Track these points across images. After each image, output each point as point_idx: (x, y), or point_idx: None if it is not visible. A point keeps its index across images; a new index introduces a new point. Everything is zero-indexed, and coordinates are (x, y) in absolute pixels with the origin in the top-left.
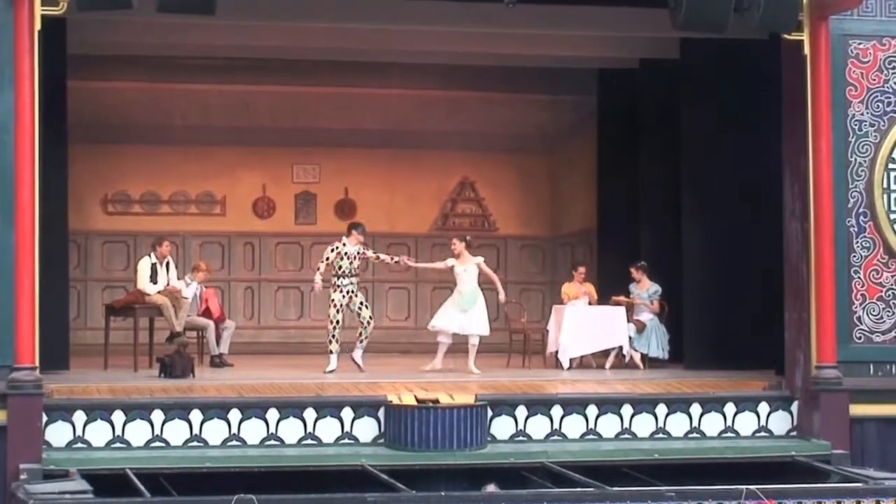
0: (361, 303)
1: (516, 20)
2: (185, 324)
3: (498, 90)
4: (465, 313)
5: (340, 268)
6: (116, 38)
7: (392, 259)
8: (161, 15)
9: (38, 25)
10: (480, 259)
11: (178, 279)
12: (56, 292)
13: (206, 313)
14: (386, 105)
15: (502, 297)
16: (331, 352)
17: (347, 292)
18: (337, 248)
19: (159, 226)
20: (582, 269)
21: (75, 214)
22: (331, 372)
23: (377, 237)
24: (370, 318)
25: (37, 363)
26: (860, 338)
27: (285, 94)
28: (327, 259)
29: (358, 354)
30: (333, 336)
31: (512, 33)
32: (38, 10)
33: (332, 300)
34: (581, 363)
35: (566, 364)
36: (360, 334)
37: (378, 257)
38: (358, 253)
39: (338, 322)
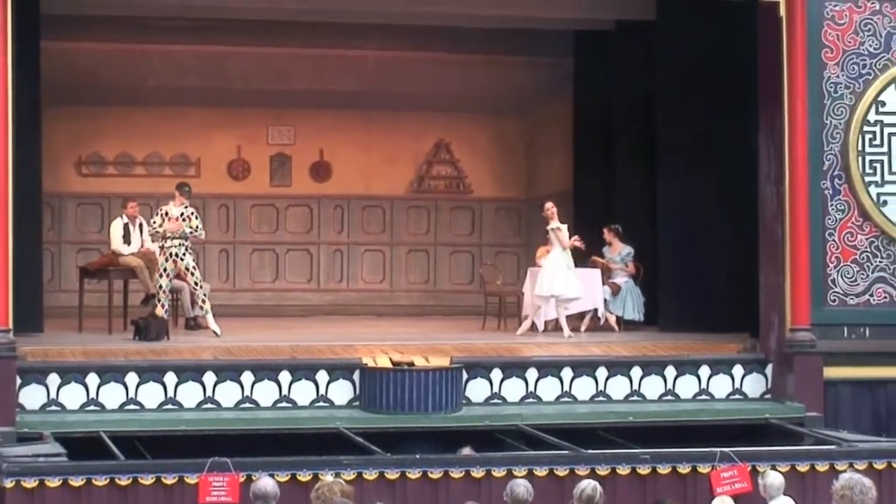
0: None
1: None
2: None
3: (474, 52)
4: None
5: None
6: None
7: None
8: None
9: None
10: (563, 226)
11: (152, 241)
12: (29, 254)
13: (180, 276)
14: (362, 66)
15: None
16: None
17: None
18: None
19: (133, 188)
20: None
21: (49, 176)
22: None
23: (352, 199)
24: (198, 281)
25: (10, 326)
26: (834, 300)
27: (260, 56)
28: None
29: (212, 322)
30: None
31: None
32: None
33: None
34: (556, 326)
35: (540, 327)
36: (197, 302)
37: None
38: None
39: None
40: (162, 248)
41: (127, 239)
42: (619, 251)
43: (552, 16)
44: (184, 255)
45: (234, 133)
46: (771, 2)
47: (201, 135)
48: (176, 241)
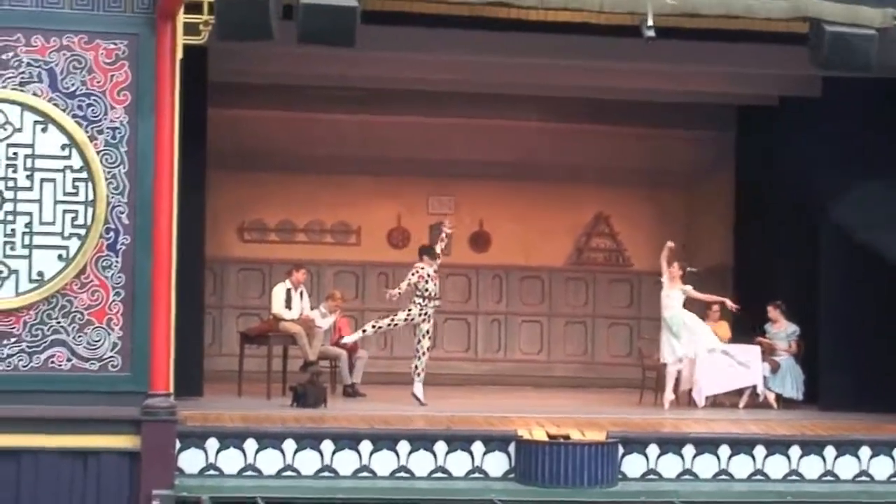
0: (428, 331)
1: (655, 55)
2: (318, 353)
3: (635, 124)
4: (675, 338)
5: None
6: (256, 66)
7: None
8: (301, 45)
9: (179, 54)
10: (689, 287)
11: (313, 308)
12: (192, 319)
13: (340, 343)
14: (521, 137)
15: (730, 304)
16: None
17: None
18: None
19: (294, 254)
20: (716, 308)
21: (212, 242)
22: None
23: (511, 270)
24: (427, 349)
25: (171, 390)
26: None
27: (421, 125)
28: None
29: (418, 388)
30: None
31: (650, 68)
32: (180, 39)
33: (409, 310)
34: (714, 402)
35: (700, 403)
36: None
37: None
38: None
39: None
40: (421, 305)
41: (288, 304)
42: (784, 328)
43: (715, 90)
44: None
45: (394, 201)
46: None
47: (362, 203)
48: (436, 302)
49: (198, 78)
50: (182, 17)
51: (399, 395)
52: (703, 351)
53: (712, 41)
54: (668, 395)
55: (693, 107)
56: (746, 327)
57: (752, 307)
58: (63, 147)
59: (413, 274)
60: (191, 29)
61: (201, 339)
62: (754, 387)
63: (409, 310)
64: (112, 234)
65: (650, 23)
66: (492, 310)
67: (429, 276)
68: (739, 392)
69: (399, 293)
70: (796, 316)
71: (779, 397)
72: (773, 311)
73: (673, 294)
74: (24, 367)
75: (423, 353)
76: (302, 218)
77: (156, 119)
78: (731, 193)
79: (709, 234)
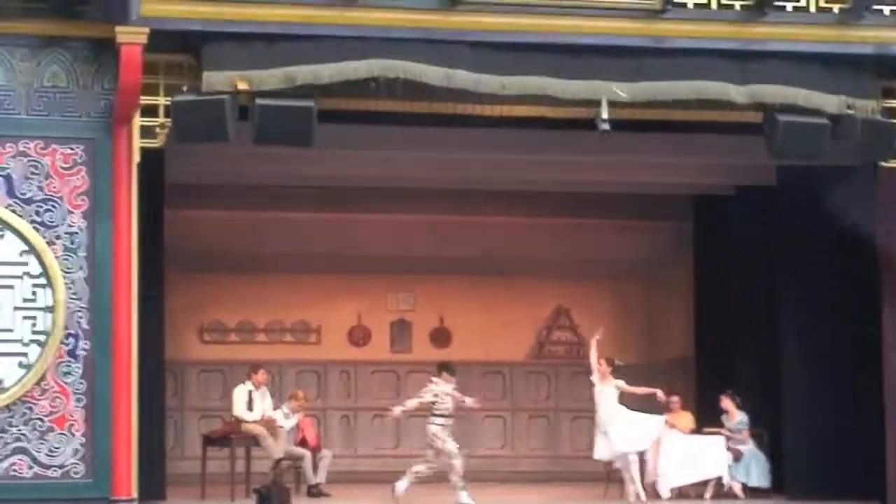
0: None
1: (610, 147)
2: (283, 453)
3: (592, 216)
4: (606, 435)
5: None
6: (213, 167)
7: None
8: (257, 145)
9: (136, 158)
10: (620, 382)
11: (275, 408)
12: (153, 422)
13: (303, 442)
14: (480, 232)
15: (660, 395)
16: (462, 488)
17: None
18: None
19: (255, 354)
20: (676, 399)
21: (171, 343)
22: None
23: (473, 366)
24: (454, 452)
25: (134, 495)
26: None
27: (380, 222)
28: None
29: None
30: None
31: (606, 160)
32: (137, 143)
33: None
34: (680, 493)
35: (665, 494)
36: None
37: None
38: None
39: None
40: (441, 423)
41: (250, 406)
42: (736, 420)
43: (672, 181)
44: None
45: (354, 299)
46: (892, 167)
47: (322, 301)
48: (452, 420)
49: (154, 180)
50: (138, 121)
51: (364, 494)
52: (647, 442)
53: (667, 133)
54: (630, 489)
55: (650, 198)
56: (710, 417)
57: (715, 397)
58: (21, 253)
59: (427, 392)
60: (147, 132)
61: (163, 442)
62: (720, 477)
63: (443, 437)
64: (72, 339)
65: (605, 116)
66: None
67: (430, 391)
68: (705, 483)
69: (403, 412)
70: (760, 404)
71: (745, 487)
72: (725, 401)
73: (605, 390)
74: None
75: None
76: (261, 318)
77: (113, 223)
78: (691, 283)
79: (670, 325)
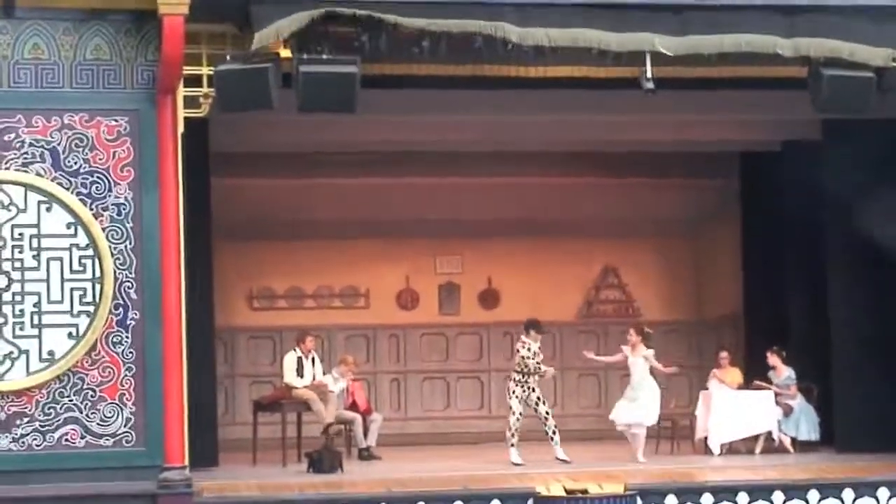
0: (538, 398)
1: (655, 106)
2: (333, 417)
3: (638, 175)
4: (632, 402)
5: (527, 365)
6: (258, 135)
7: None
8: (302, 113)
9: (181, 128)
10: (650, 352)
11: (325, 373)
12: (204, 389)
13: (353, 406)
14: (526, 194)
15: (668, 371)
16: (512, 444)
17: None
18: (528, 345)
19: (304, 320)
20: (725, 354)
21: (221, 311)
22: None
23: (522, 326)
24: (548, 412)
25: (186, 462)
26: None
27: (426, 186)
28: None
29: (559, 451)
30: (513, 428)
31: (651, 119)
32: (181, 113)
33: (513, 392)
34: (730, 448)
35: (716, 450)
36: (547, 433)
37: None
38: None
39: (521, 414)
40: (524, 380)
41: (300, 372)
42: (783, 374)
43: (717, 138)
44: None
45: (402, 263)
46: None
47: (370, 266)
48: (536, 377)
49: (200, 149)
50: (182, 91)
51: (414, 456)
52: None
53: (712, 90)
54: (639, 455)
55: (695, 155)
56: (760, 373)
57: (764, 353)
58: (68, 225)
59: (523, 348)
60: (191, 102)
61: (214, 409)
62: (769, 432)
63: (513, 391)
64: (121, 309)
65: (649, 74)
66: (504, 367)
67: (533, 352)
68: (755, 438)
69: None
70: (810, 357)
71: (794, 441)
72: (771, 357)
73: (637, 360)
74: (38, 446)
75: (547, 417)
76: (310, 283)
77: (160, 193)
78: (738, 240)
79: (718, 282)
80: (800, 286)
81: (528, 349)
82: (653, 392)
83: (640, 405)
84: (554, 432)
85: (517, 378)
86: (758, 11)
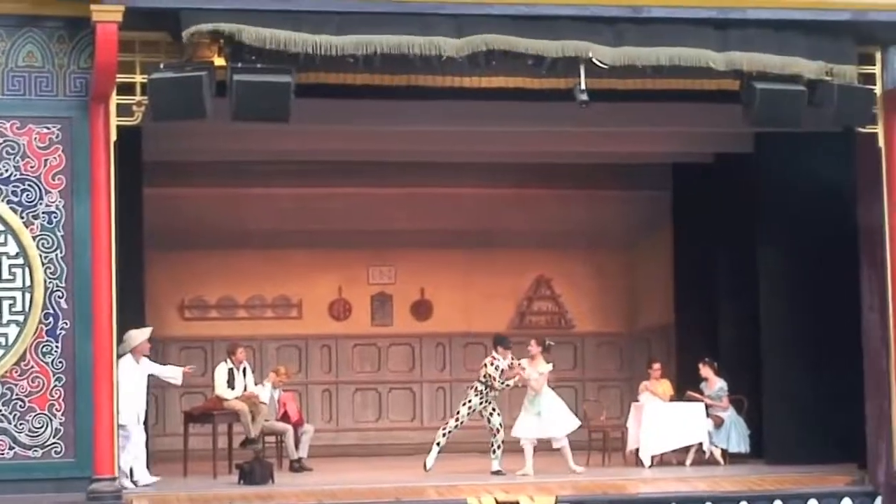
0: (493, 409)
1: (589, 118)
2: (264, 428)
3: (572, 187)
4: (539, 416)
5: (492, 383)
6: (191, 145)
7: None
8: (235, 122)
9: (113, 136)
10: (546, 368)
11: (256, 384)
12: None
13: (285, 417)
14: (460, 204)
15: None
16: (437, 444)
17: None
18: (496, 363)
19: (236, 330)
20: (656, 366)
21: (152, 321)
22: (429, 469)
23: (454, 337)
24: (500, 425)
25: (117, 473)
26: None
27: (359, 196)
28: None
29: (495, 464)
30: (448, 431)
31: (585, 131)
32: (114, 121)
33: (469, 401)
34: (661, 460)
35: (647, 462)
36: (492, 444)
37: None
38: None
39: (461, 422)
40: (485, 392)
41: (231, 383)
42: (714, 386)
43: (651, 150)
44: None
45: (334, 274)
46: (869, 132)
47: (302, 276)
48: (496, 393)
49: (132, 158)
50: (115, 99)
51: (345, 468)
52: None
53: (645, 102)
54: (529, 469)
55: (629, 167)
56: (691, 385)
57: (695, 364)
58: None
59: (490, 365)
60: (124, 110)
61: (145, 419)
62: (700, 443)
63: (469, 400)
64: (51, 319)
65: (583, 86)
66: (436, 378)
67: (500, 370)
68: (686, 449)
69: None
70: (740, 370)
71: (725, 453)
72: (704, 369)
73: (532, 374)
74: None
75: (498, 431)
76: (242, 294)
77: (91, 201)
78: (670, 251)
79: (650, 293)
80: (731, 298)
81: (496, 367)
82: (554, 401)
83: (546, 419)
84: (499, 447)
85: (479, 388)
86: (692, 24)
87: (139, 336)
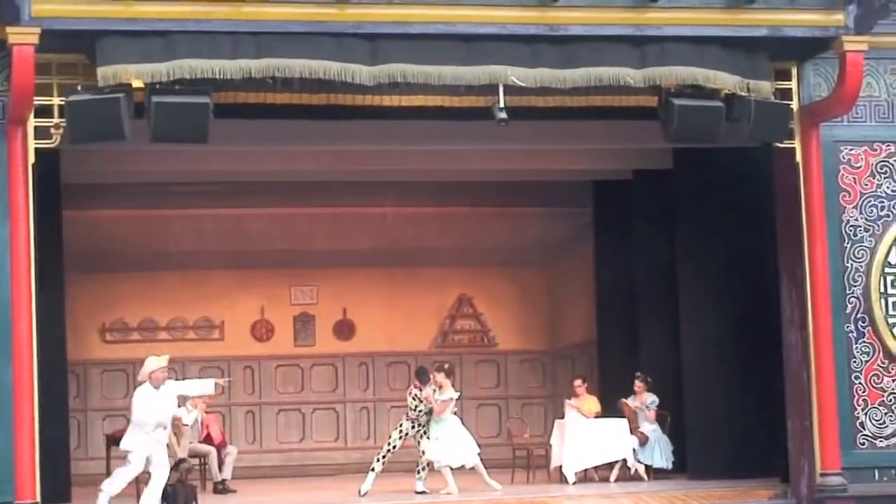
0: (424, 433)
1: (509, 136)
2: (187, 451)
3: (493, 205)
4: (452, 442)
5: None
6: (110, 166)
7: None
8: (154, 143)
9: (31, 158)
10: (447, 396)
11: (179, 406)
12: (56, 424)
13: (208, 439)
14: (381, 224)
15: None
16: (373, 469)
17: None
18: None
19: (158, 352)
20: (579, 382)
21: (73, 344)
22: (364, 494)
23: (377, 356)
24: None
25: (38, 498)
26: (864, 443)
27: (280, 217)
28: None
29: (419, 485)
30: (383, 457)
31: (505, 149)
32: (32, 144)
33: (401, 426)
34: (585, 476)
35: (571, 478)
36: (420, 463)
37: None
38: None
39: (394, 447)
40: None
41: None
42: (644, 400)
43: (570, 167)
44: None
45: (256, 294)
46: (786, 147)
47: (224, 297)
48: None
49: (51, 181)
50: (33, 122)
51: (270, 489)
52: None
53: (564, 119)
54: (453, 488)
55: (549, 185)
56: (613, 401)
57: (618, 381)
58: None
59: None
60: (42, 133)
61: (67, 443)
62: (624, 460)
63: (401, 425)
64: None
65: (501, 104)
66: (359, 397)
67: (420, 400)
68: (610, 466)
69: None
70: (662, 387)
71: (649, 468)
72: (638, 384)
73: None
74: None
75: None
76: (164, 315)
77: (10, 225)
78: (591, 268)
79: (572, 311)
80: (652, 315)
81: (415, 398)
82: (454, 429)
83: (448, 444)
84: (424, 468)
85: (411, 416)
86: (609, 42)
87: (151, 364)
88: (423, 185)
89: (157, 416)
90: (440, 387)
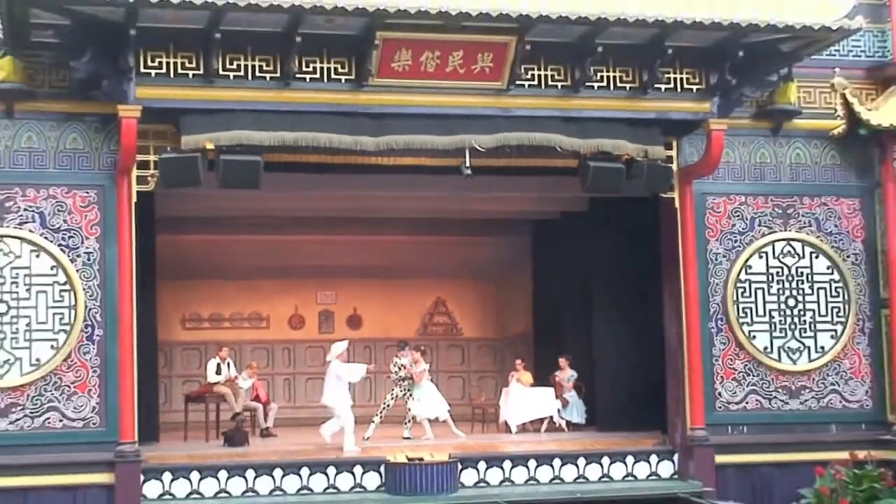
0: (410, 395)
1: (472, 186)
2: (241, 406)
3: (459, 235)
4: (429, 401)
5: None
6: (190, 205)
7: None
8: (222, 188)
9: (134, 198)
10: (423, 367)
11: (236, 375)
12: (149, 386)
13: (257, 398)
14: (382, 248)
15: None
16: (373, 422)
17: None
18: (395, 362)
19: (222, 337)
20: (519, 361)
21: (162, 330)
22: (367, 438)
23: (377, 341)
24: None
25: (136, 438)
26: (721, 407)
27: (310, 242)
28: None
29: (406, 432)
30: (380, 413)
31: (467, 195)
32: (134, 188)
33: (392, 391)
34: (523, 428)
35: (514, 429)
36: (405, 418)
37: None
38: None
39: (388, 405)
40: (396, 381)
41: (218, 373)
42: (566, 375)
43: (515, 209)
44: (409, 387)
45: (292, 297)
46: (669, 197)
47: (270, 298)
48: (407, 382)
49: (148, 214)
50: (135, 172)
51: (301, 434)
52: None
53: (511, 175)
54: (429, 435)
55: (500, 221)
56: (545, 374)
57: (548, 361)
58: (52, 268)
59: (392, 363)
60: (141, 180)
61: (157, 400)
62: (551, 417)
63: (393, 390)
64: (89, 328)
65: (468, 164)
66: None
67: (399, 366)
68: (541, 420)
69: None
70: (579, 364)
71: (569, 423)
72: (562, 361)
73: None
74: (28, 427)
75: (410, 409)
76: (227, 310)
77: (118, 245)
78: (530, 281)
79: (516, 311)
80: (573, 314)
81: (395, 364)
82: (429, 390)
83: (426, 402)
84: (409, 420)
85: (394, 379)
86: (545, 119)
87: (339, 347)
88: (410, 220)
89: (349, 378)
90: (416, 361)
